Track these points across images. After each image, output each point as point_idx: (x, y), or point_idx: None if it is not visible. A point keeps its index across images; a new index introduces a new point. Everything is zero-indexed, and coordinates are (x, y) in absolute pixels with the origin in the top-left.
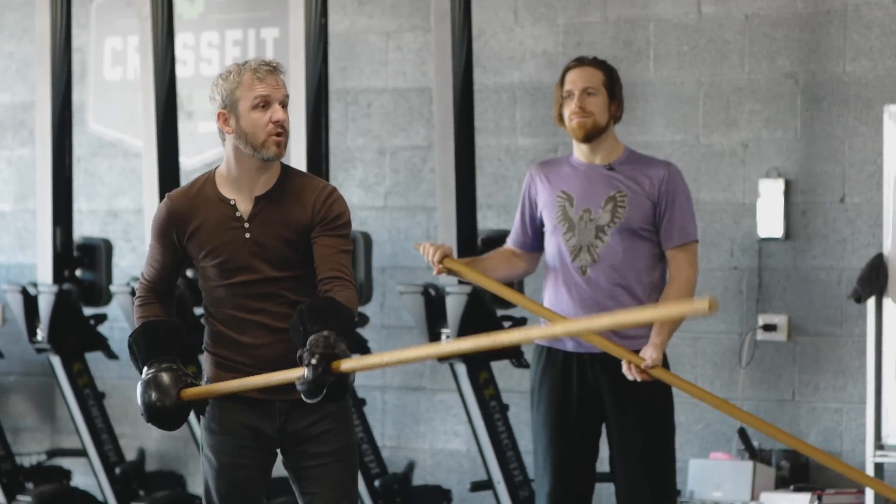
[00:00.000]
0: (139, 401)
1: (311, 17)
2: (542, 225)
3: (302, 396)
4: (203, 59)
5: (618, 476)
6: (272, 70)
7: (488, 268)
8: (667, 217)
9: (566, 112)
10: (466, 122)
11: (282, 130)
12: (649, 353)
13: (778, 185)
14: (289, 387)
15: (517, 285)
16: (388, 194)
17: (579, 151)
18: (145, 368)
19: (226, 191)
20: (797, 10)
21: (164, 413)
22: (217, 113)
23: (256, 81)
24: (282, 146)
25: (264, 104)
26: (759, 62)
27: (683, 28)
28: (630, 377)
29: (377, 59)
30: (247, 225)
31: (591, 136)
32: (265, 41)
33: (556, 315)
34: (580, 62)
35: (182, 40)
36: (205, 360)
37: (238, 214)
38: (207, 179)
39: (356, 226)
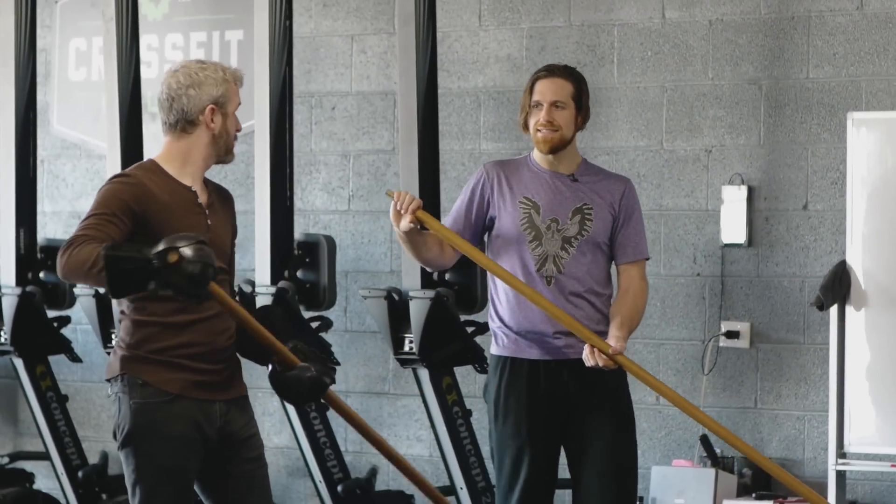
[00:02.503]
0: (185, 268)
1: (276, 19)
2: (488, 224)
3: (293, 395)
4: (167, 60)
5: (582, 483)
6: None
7: (427, 242)
8: (623, 232)
9: (532, 122)
10: (430, 126)
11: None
12: (613, 342)
13: (741, 192)
14: (229, 385)
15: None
16: (352, 198)
17: (541, 158)
18: (163, 245)
19: (183, 179)
20: (761, 16)
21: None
22: (210, 106)
23: (237, 90)
24: None
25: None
26: (723, 68)
27: (647, 33)
28: (590, 363)
29: (341, 62)
30: (207, 212)
31: (557, 149)
32: (229, 43)
33: (531, 291)
34: (550, 72)
35: (146, 42)
36: (130, 365)
37: (199, 202)
38: (150, 168)
39: (320, 229)
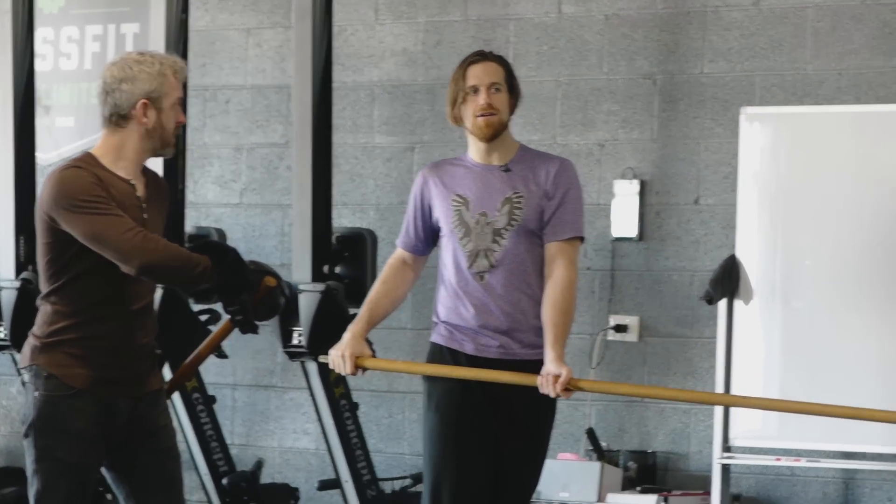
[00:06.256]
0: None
1: (172, 12)
2: (437, 229)
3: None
4: (62, 53)
5: (505, 477)
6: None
7: (381, 306)
8: (556, 211)
9: (467, 110)
10: (324, 119)
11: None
12: (560, 368)
13: (633, 186)
14: (139, 382)
15: None
16: (244, 191)
17: (476, 151)
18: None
19: (120, 171)
20: (657, 11)
21: None
22: (142, 101)
23: (178, 82)
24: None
25: (180, 105)
26: (618, 62)
27: (543, 27)
28: (553, 394)
29: (237, 55)
30: (145, 206)
31: (497, 134)
32: (125, 36)
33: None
34: (483, 56)
35: (41, 34)
36: (40, 355)
37: (138, 195)
38: (90, 162)
39: (211, 222)
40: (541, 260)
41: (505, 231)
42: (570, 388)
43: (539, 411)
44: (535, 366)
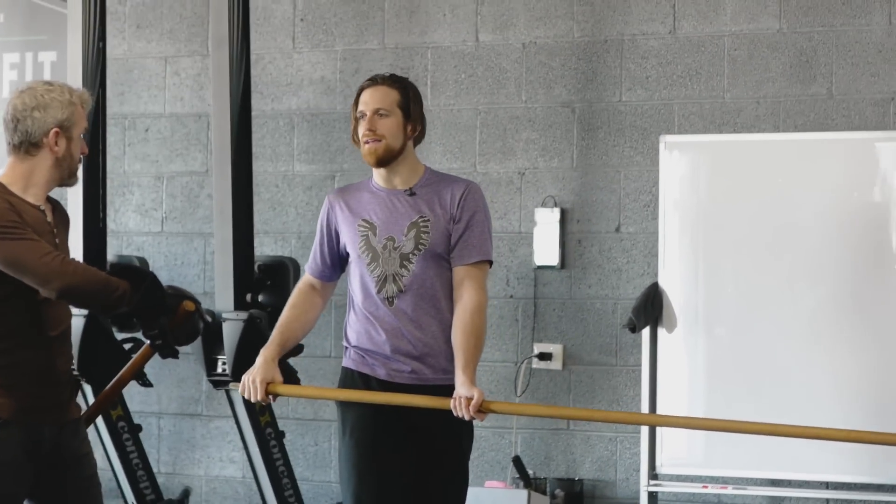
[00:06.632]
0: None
1: (89, 41)
2: (344, 255)
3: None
4: None
5: (421, 499)
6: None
7: (292, 330)
8: (463, 234)
9: (359, 135)
10: (244, 147)
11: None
12: (471, 391)
13: (554, 214)
14: (62, 409)
15: None
16: (165, 220)
17: (378, 176)
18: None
19: (30, 198)
20: (574, 40)
21: None
22: (54, 129)
23: (85, 112)
24: None
25: (84, 136)
26: (536, 91)
27: (461, 56)
28: (467, 416)
29: (155, 83)
30: (55, 231)
31: (385, 160)
32: (43, 64)
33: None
34: (374, 81)
35: None
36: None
37: (49, 220)
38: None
39: (133, 251)
40: (450, 284)
41: (413, 255)
42: (482, 410)
43: (455, 435)
44: (447, 390)
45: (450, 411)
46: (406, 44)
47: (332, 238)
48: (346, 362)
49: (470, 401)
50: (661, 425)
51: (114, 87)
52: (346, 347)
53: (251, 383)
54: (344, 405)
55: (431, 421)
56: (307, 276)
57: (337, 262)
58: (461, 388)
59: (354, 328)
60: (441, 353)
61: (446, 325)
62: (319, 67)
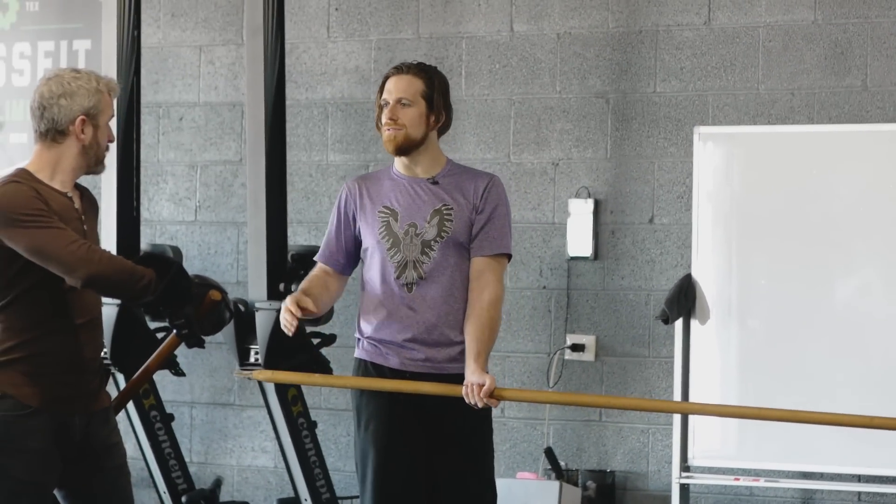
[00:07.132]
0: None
1: (124, 29)
2: (358, 243)
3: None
4: (15, 69)
5: (447, 492)
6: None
7: (316, 287)
8: (484, 226)
9: (382, 122)
10: (278, 137)
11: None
12: (483, 378)
13: (588, 205)
14: (91, 398)
15: None
16: (199, 209)
17: (399, 164)
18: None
19: (57, 185)
20: (609, 30)
21: None
22: (80, 117)
23: (112, 100)
24: None
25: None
26: (571, 81)
27: (496, 46)
28: (480, 403)
29: (189, 72)
30: (83, 218)
31: (404, 149)
32: (77, 53)
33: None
34: (399, 69)
35: None
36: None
37: (76, 207)
38: (26, 177)
39: (166, 240)
40: (467, 274)
41: (434, 243)
42: (494, 396)
43: (472, 424)
44: (460, 379)
45: (463, 400)
46: (440, 33)
47: (350, 223)
48: (359, 353)
49: (481, 387)
50: (672, 412)
51: (148, 76)
52: (359, 339)
53: (284, 313)
54: (359, 397)
55: (448, 412)
56: (318, 265)
57: (351, 250)
58: (472, 375)
59: (368, 318)
60: (456, 342)
61: (461, 314)
62: (354, 57)
